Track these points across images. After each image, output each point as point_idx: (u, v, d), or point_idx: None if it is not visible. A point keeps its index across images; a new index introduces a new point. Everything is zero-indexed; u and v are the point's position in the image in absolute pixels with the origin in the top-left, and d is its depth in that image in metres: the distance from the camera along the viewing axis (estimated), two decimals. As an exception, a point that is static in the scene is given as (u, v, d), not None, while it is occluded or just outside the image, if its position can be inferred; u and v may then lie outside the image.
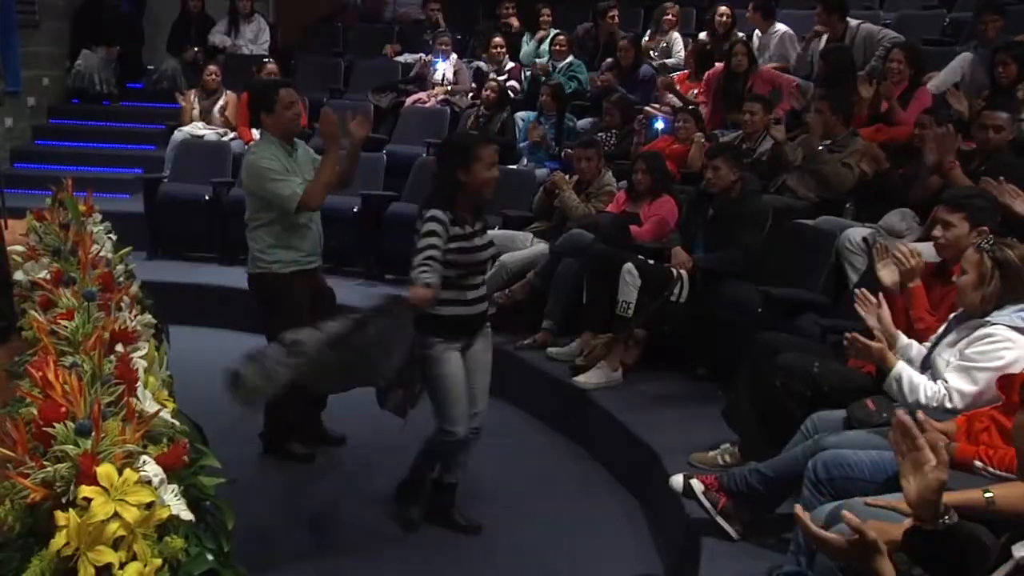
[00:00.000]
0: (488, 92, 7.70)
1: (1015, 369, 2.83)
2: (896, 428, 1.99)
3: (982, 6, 6.65)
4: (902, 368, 2.99)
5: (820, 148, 5.47)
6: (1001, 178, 4.10)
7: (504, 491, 4.25)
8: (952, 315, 3.15)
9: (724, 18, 7.83)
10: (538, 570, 3.72)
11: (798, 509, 2.07)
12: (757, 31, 7.78)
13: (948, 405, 2.88)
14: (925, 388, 2.93)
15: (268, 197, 4.18)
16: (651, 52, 8.35)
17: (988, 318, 2.92)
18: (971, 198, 3.62)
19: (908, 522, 1.99)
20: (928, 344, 3.18)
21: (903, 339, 3.23)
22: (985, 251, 2.97)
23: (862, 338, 3.04)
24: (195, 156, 7.93)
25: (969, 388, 2.88)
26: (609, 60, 8.08)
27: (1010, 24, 6.54)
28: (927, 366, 3.07)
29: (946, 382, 2.92)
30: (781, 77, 7.03)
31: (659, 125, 6.90)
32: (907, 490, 1.96)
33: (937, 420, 2.70)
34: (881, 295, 3.29)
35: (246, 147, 7.94)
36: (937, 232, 3.54)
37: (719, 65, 7.21)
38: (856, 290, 3.35)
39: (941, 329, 3.15)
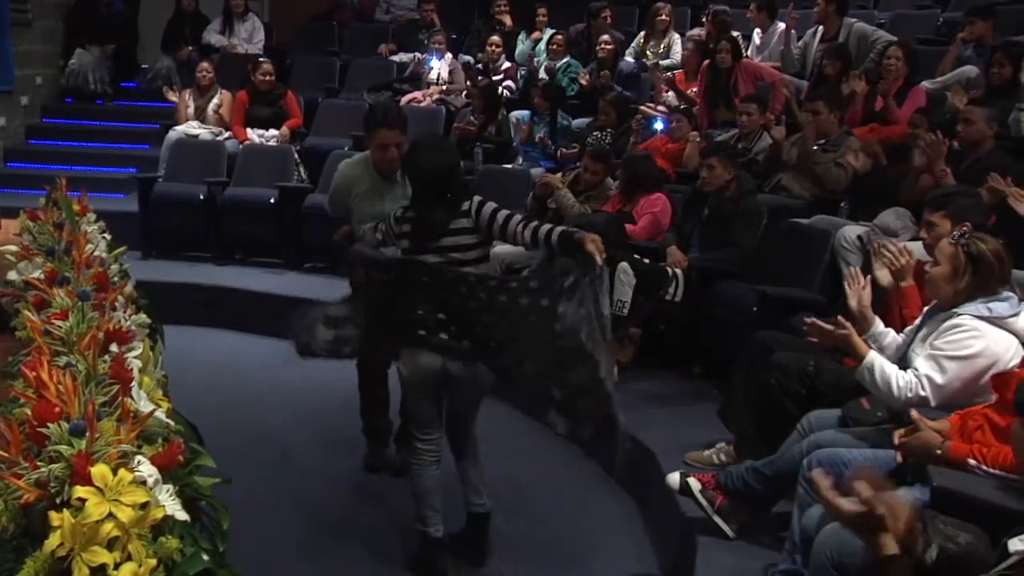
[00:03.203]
0: (473, 99, 7.72)
1: (984, 358, 2.85)
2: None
3: (969, 11, 6.70)
4: (874, 358, 2.98)
5: (814, 148, 5.50)
6: (1008, 179, 4.12)
7: (499, 490, 4.24)
8: (926, 308, 3.15)
9: (726, 17, 7.86)
10: (534, 568, 3.72)
11: (816, 472, 2.05)
12: (758, 30, 7.79)
13: (922, 393, 2.87)
14: (897, 378, 2.92)
15: None
16: (648, 52, 8.36)
17: (955, 309, 2.93)
18: (953, 196, 3.64)
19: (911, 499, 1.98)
20: (905, 335, 3.19)
21: (879, 325, 3.23)
22: (960, 244, 2.98)
23: (819, 321, 3.03)
24: (190, 155, 7.91)
25: (938, 377, 2.87)
26: (592, 64, 8.13)
27: (1005, 24, 6.57)
28: (904, 361, 3.07)
29: (917, 371, 2.92)
30: (764, 70, 7.05)
31: (658, 126, 6.90)
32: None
33: (931, 419, 2.71)
34: (869, 277, 3.28)
35: (240, 146, 7.95)
36: (923, 233, 3.56)
37: (705, 63, 7.23)
38: (847, 267, 3.34)
39: (916, 323, 3.16)
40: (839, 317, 3.10)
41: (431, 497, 3.47)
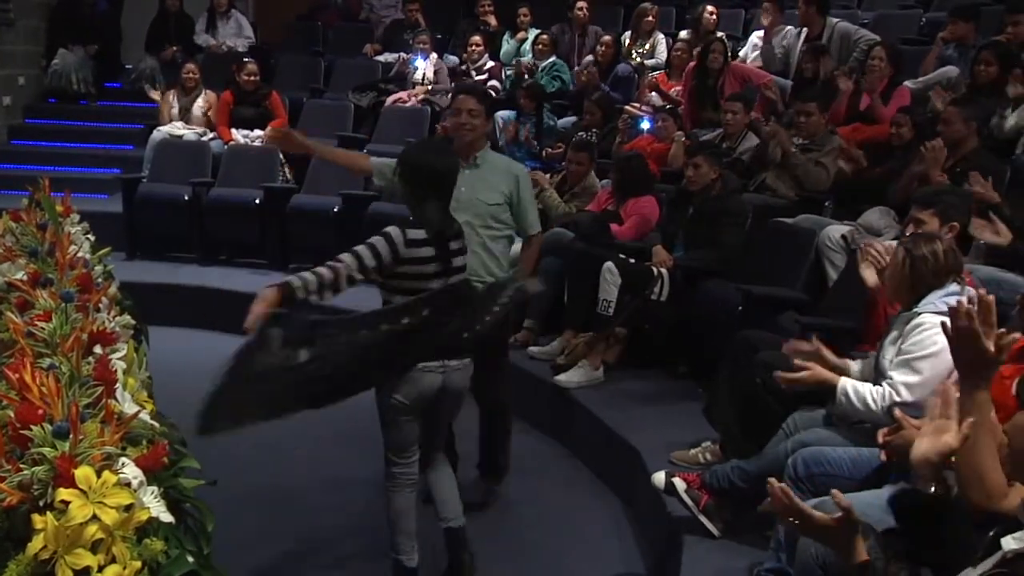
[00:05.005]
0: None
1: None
2: (939, 394, 2.10)
3: (952, 11, 6.74)
4: (844, 383, 3.00)
5: (794, 149, 5.53)
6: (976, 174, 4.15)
7: (484, 490, 4.25)
8: (894, 314, 3.18)
9: (712, 16, 7.88)
10: (520, 569, 3.73)
11: (779, 487, 2.08)
12: (757, 32, 7.80)
13: (897, 399, 2.88)
14: (871, 393, 2.94)
15: None
16: (633, 53, 8.39)
17: (916, 309, 2.97)
18: (941, 195, 3.67)
19: None
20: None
21: (852, 367, 3.24)
22: (902, 244, 3.05)
23: (787, 376, 3.05)
24: (174, 156, 7.88)
25: (912, 379, 2.89)
26: (588, 58, 8.13)
27: (985, 25, 6.62)
28: (878, 367, 3.09)
29: (890, 379, 2.94)
30: (752, 72, 7.07)
31: (644, 125, 6.92)
32: (916, 448, 2.04)
33: (914, 418, 2.72)
34: (815, 338, 3.27)
35: (225, 147, 7.93)
36: (909, 231, 3.58)
37: (692, 64, 7.24)
38: (783, 346, 3.32)
39: (885, 330, 3.19)
40: (796, 362, 3.10)
41: (406, 521, 3.33)
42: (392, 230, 3.17)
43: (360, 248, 3.14)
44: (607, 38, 8.17)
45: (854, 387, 2.98)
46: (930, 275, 2.97)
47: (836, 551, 1.94)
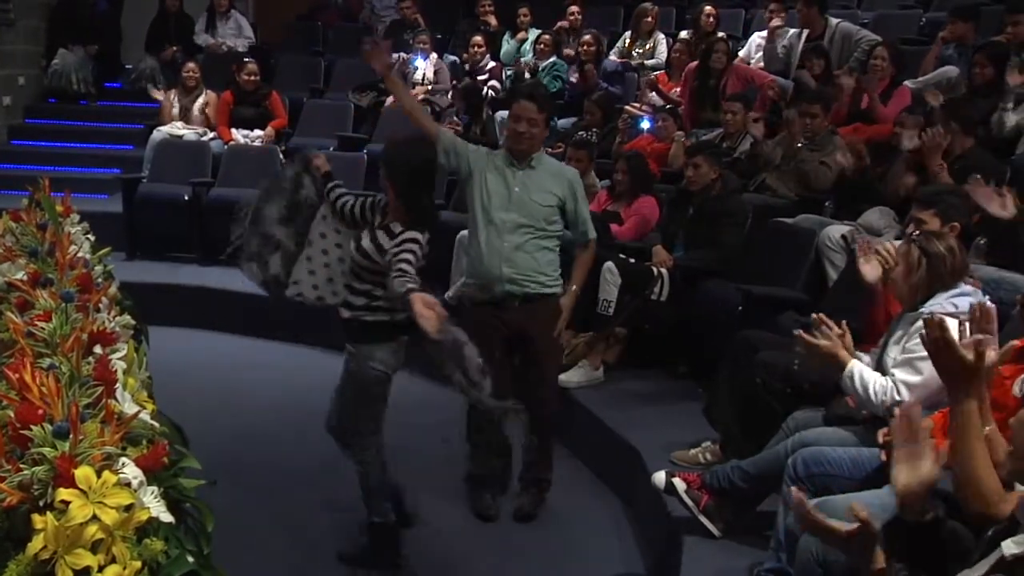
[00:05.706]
0: (455, 100, 7.72)
1: None
2: (901, 418, 2.03)
3: (952, 11, 6.74)
4: (855, 365, 3.00)
5: (799, 146, 5.54)
6: (978, 177, 4.14)
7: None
8: (898, 313, 3.18)
9: (709, 18, 7.90)
10: (520, 569, 3.73)
11: (795, 491, 2.08)
12: (757, 32, 7.80)
13: (897, 397, 2.88)
14: (874, 384, 2.94)
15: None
16: (633, 53, 8.40)
17: (922, 309, 2.96)
18: (942, 195, 3.67)
19: None
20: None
21: (864, 357, 3.24)
22: (914, 242, 3.03)
23: (808, 336, 3.05)
24: (174, 156, 7.88)
25: (914, 378, 2.89)
26: (574, 66, 8.18)
27: (985, 25, 6.62)
28: (880, 365, 3.09)
29: (893, 376, 2.94)
30: (755, 73, 7.08)
31: (645, 125, 6.93)
32: (897, 478, 1.99)
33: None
34: (844, 323, 3.27)
35: (225, 147, 7.92)
36: (911, 230, 3.58)
37: (693, 64, 7.24)
38: (814, 316, 3.33)
39: (890, 329, 3.18)
40: (823, 328, 3.09)
41: (387, 488, 3.57)
42: (418, 235, 3.25)
43: (409, 260, 3.17)
44: (587, 37, 8.19)
45: (861, 372, 2.98)
46: (948, 274, 2.96)
47: (854, 560, 1.93)
